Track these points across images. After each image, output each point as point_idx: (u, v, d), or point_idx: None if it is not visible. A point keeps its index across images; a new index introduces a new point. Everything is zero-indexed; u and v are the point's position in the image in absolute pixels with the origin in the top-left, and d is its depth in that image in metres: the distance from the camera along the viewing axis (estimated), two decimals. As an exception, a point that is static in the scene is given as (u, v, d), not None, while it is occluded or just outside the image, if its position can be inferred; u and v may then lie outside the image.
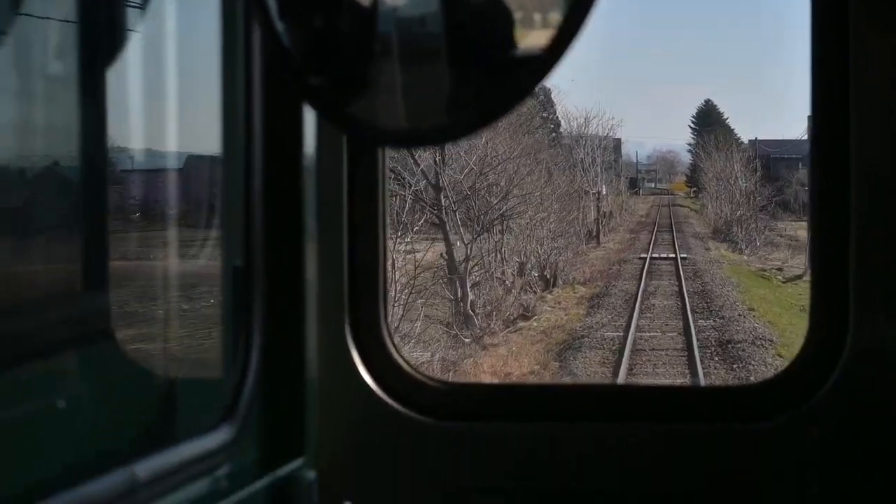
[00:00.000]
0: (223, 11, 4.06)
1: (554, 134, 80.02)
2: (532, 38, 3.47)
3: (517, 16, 3.47)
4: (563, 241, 67.60)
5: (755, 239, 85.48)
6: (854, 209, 4.58)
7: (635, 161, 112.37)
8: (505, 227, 59.50)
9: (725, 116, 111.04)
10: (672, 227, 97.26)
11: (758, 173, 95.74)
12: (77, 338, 3.79)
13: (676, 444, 4.72)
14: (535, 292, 59.46)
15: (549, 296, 60.47)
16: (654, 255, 78.31)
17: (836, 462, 4.58)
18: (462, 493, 4.73)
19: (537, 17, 3.55)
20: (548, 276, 63.59)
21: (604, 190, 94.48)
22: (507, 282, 57.62)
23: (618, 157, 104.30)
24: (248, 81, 4.12)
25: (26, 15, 3.69)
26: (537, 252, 62.61)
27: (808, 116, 4.92)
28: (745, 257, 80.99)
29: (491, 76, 3.46)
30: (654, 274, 68.05)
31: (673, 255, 76.92)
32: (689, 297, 54.68)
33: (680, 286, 60.39)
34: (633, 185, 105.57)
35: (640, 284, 61.29)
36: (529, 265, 61.75)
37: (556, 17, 3.36)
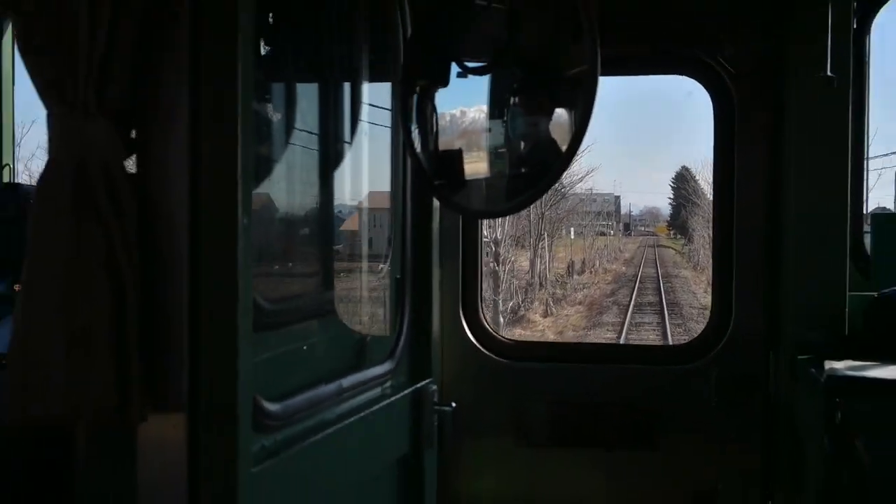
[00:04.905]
0: (394, 142, 4.55)
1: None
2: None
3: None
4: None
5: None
6: (736, 249, 5.02)
7: (629, 213, 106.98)
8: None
9: (697, 178, 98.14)
10: (662, 297, 43.68)
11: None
12: (321, 312, 4.26)
13: (643, 376, 5.15)
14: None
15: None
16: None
17: (726, 385, 5.00)
18: (519, 400, 5.15)
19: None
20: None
21: (571, 234, 60.86)
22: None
23: (618, 209, 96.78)
24: (404, 181, 4.58)
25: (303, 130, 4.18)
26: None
27: (712, 198, 5.32)
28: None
29: (531, 182, 3.97)
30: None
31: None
32: None
33: None
34: (627, 228, 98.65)
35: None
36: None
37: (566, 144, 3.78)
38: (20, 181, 5.65)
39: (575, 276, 53.05)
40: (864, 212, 5.10)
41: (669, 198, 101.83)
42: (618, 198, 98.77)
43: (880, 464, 3.72)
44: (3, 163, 5.77)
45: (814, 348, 4.53)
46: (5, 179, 5.82)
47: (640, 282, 51.46)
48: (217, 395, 2.75)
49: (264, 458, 3.06)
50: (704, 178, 67.32)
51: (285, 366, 3.64)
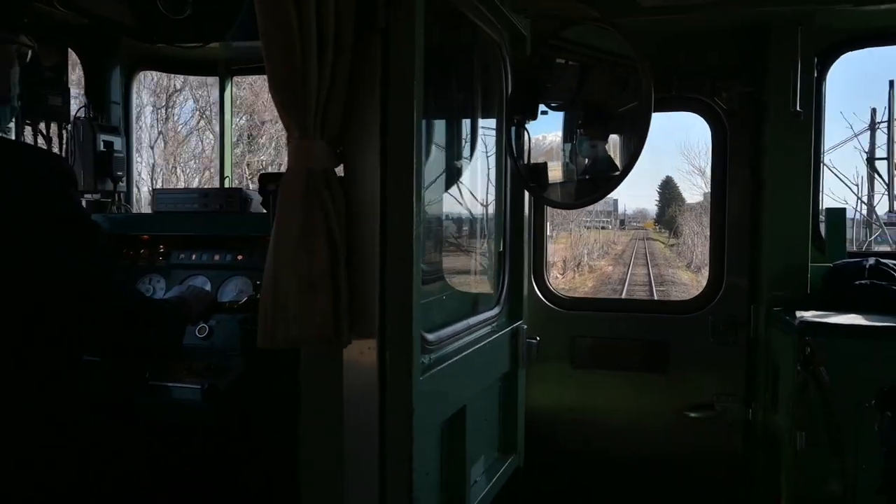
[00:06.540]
0: (499, 153, 4.44)
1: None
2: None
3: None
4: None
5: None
6: (727, 234, 4.88)
7: (624, 212, 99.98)
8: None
9: (678, 185, 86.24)
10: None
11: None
12: (442, 276, 4.05)
13: (660, 321, 5.02)
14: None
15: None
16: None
17: (720, 328, 4.87)
18: (572, 337, 5.08)
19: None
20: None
21: (548, 230, 14.22)
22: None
23: (615, 209, 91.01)
24: (504, 181, 4.50)
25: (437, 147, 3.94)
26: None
27: (710, 193, 5.17)
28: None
29: (595, 186, 3.99)
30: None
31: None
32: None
33: None
34: (622, 223, 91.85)
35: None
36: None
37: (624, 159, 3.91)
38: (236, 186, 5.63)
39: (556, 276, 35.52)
40: (820, 206, 4.91)
41: (655, 201, 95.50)
42: (615, 200, 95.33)
43: (836, 383, 3.65)
44: (225, 174, 5.92)
45: (784, 303, 4.43)
46: (226, 186, 5.91)
47: (628, 293, 29.86)
48: (398, 326, 2.76)
49: (425, 370, 3.06)
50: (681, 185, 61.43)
51: (436, 309, 3.63)
